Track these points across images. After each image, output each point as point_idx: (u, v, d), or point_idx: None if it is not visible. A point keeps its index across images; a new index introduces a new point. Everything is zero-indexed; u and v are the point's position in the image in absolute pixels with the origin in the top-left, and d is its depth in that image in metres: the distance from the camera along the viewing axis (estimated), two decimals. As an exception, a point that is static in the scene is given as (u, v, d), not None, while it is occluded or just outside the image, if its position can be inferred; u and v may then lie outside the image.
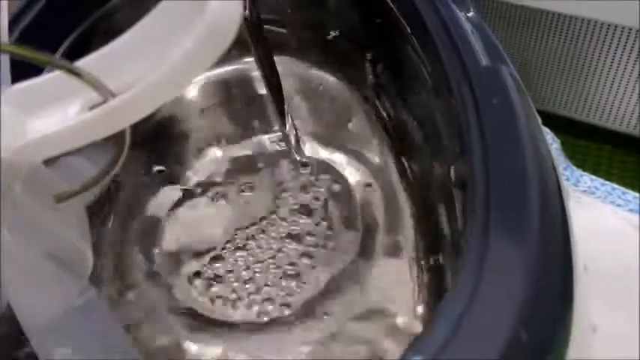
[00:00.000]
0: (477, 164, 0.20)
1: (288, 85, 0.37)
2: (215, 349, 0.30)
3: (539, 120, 0.23)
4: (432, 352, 0.16)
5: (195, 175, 0.37)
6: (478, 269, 0.18)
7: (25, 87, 0.17)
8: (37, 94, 0.17)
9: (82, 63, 0.17)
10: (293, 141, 0.31)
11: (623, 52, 0.40)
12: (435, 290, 0.29)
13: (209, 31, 0.15)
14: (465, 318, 0.17)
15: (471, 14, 0.26)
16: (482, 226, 0.19)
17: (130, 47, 0.17)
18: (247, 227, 0.34)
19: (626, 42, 0.39)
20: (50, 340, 0.20)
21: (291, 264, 0.32)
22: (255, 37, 0.27)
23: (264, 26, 0.30)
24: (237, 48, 0.37)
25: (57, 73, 0.17)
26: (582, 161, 0.44)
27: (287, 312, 0.31)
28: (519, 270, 0.18)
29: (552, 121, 0.40)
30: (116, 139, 0.20)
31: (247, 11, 0.28)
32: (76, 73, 0.17)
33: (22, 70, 0.19)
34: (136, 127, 0.33)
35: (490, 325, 0.17)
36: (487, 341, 0.16)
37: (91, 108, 0.17)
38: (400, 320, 0.29)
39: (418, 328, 0.29)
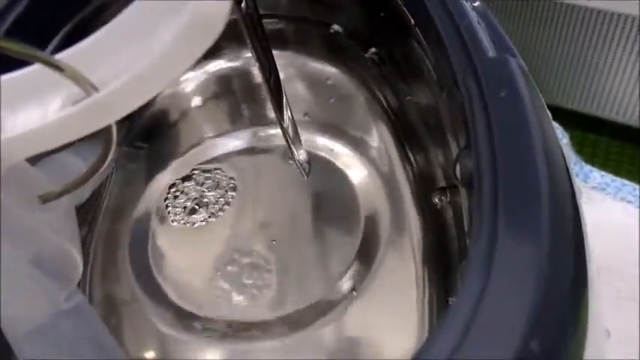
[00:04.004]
0: (483, 160, 0.19)
1: (289, 77, 0.37)
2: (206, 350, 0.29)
3: (549, 113, 0.22)
4: (439, 361, 0.15)
5: (190, 168, 0.36)
6: (485, 273, 0.17)
7: (3, 81, 0.16)
8: (16, 89, 0.16)
9: (63, 56, 0.16)
10: (291, 134, 0.30)
11: (627, 42, 0.39)
12: (443, 293, 0.28)
13: (193, 24, 0.14)
14: (471, 326, 0.16)
15: (476, 4, 0.25)
16: (489, 225, 0.18)
17: (112, 40, 0.16)
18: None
19: (630, 32, 0.38)
20: (32, 345, 0.19)
21: (287, 264, 0.31)
22: (251, 29, 0.26)
23: (266, 19, 0.29)
24: (237, 41, 0.36)
25: (36, 67, 0.16)
26: (591, 155, 0.43)
27: (282, 315, 0.30)
28: (529, 273, 0.17)
29: (560, 115, 0.39)
30: (103, 135, 0.19)
31: (244, 3, 0.27)
32: (57, 67, 0.16)
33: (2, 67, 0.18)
34: (130, 121, 0.32)
35: (498, 333, 0.16)
36: (495, 349, 0.16)
37: (74, 103, 0.16)
38: (405, 327, 0.28)
39: (424, 335, 0.28)
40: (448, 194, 0.28)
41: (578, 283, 0.18)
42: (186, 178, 0.35)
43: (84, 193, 0.28)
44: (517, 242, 0.17)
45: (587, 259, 0.19)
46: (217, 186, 0.35)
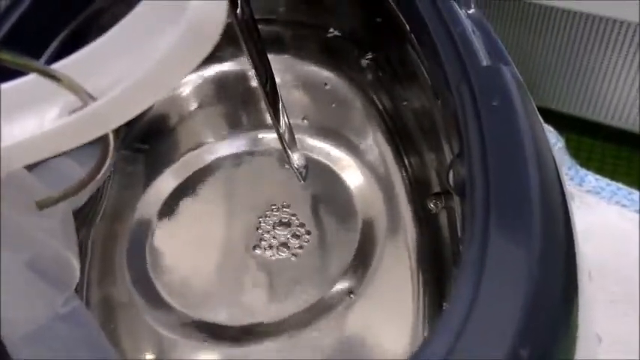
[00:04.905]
0: (475, 167, 0.19)
1: (287, 81, 0.37)
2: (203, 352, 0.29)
3: (542, 121, 0.22)
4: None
5: (188, 172, 0.36)
6: (477, 280, 0.17)
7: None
8: (13, 99, 0.16)
9: (60, 66, 0.16)
10: (288, 138, 0.30)
11: (622, 47, 0.39)
12: (438, 296, 0.28)
13: (190, 32, 0.14)
14: (463, 332, 0.16)
15: (472, 11, 0.25)
16: (481, 232, 0.18)
17: (109, 49, 0.16)
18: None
19: (625, 37, 0.38)
20: (29, 348, 0.19)
21: (284, 267, 0.32)
22: (247, 34, 0.26)
23: (263, 24, 0.29)
24: (235, 45, 0.37)
25: (33, 77, 0.16)
26: (587, 159, 0.43)
27: (279, 317, 0.30)
28: (520, 279, 0.17)
29: (557, 119, 0.40)
30: (100, 143, 0.19)
31: (239, 9, 0.27)
32: (54, 77, 0.16)
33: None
34: (129, 125, 0.32)
35: (490, 338, 0.16)
36: (487, 354, 0.16)
37: (70, 113, 0.16)
38: (401, 329, 0.29)
39: (420, 338, 0.28)
40: (443, 199, 0.28)
41: (569, 288, 0.18)
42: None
43: (81, 197, 0.28)
44: (508, 248, 0.18)
45: (578, 264, 0.19)
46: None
